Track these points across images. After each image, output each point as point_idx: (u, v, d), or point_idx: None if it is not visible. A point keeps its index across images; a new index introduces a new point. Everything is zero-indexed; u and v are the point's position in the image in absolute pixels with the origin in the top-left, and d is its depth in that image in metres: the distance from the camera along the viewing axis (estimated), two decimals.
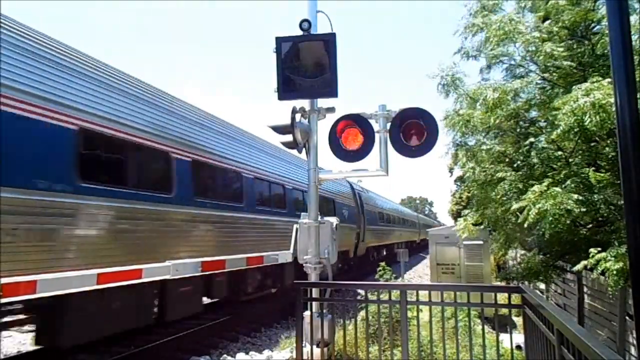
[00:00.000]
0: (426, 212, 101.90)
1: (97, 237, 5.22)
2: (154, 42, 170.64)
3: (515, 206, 6.17)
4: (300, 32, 4.51)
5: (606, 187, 5.69)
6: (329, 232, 4.97)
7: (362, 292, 4.90)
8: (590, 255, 5.29)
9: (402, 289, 4.24)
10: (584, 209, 5.45)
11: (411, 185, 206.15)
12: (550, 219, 5.33)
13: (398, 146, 4.70)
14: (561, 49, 6.40)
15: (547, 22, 6.90)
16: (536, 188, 5.73)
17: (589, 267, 5.38)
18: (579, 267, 5.59)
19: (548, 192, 5.53)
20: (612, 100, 4.74)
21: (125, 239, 5.64)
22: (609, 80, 5.18)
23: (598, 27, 6.60)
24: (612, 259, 5.01)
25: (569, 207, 5.26)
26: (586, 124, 5.08)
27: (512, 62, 7.68)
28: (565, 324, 2.37)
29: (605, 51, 6.24)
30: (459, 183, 32.92)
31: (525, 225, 5.89)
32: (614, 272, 4.91)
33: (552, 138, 6.31)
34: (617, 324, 6.61)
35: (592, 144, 6.64)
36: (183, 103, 7.69)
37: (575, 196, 5.38)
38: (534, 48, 6.89)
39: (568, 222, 5.58)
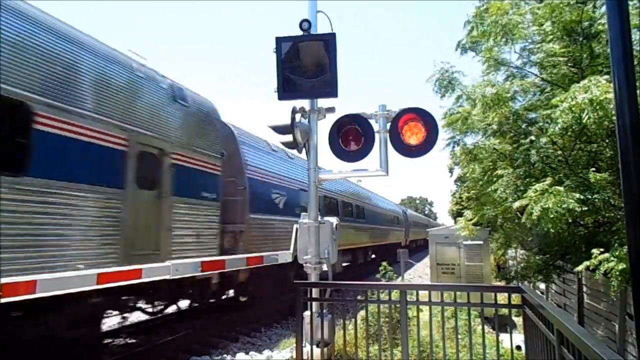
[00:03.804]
0: (426, 212, 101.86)
1: None
2: (152, 42, 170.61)
3: (516, 204, 6.16)
4: (300, 32, 4.51)
5: (605, 187, 5.68)
6: (329, 232, 4.97)
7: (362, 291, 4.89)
8: (593, 256, 5.28)
9: (402, 289, 4.24)
10: (585, 208, 5.45)
11: (411, 185, 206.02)
12: (552, 216, 5.32)
13: (398, 146, 4.70)
14: (558, 47, 6.41)
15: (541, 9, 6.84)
16: (538, 186, 5.73)
17: (591, 267, 5.37)
18: (580, 267, 5.59)
19: (550, 190, 5.53)
20: (610, 97, 4.76)
21: None
22: (607, 77, 5.18)
23: (595, 27, 6.58)
24: (615, 259, 5.00)
25: (570, 206, 5.26)
26: (584, 121, 5.08)
27: (511, 64, 7.68)
28: (565, 324, 2.37)
29: (603, 50, 6.24)
30: (459, 183, 32.84)
31: (528, 224, 5.89)
32: (618, 273, 4.90)
33: (550, 137, 6.31)
34: (617, 324, 6.61)
35: (592, 144, 6.64)
36: None
37: (577, 195, 5.38)
38: (532, 45, 6.91)
39: (570, 220, 5.58)
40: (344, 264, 16.07)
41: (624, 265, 4.83)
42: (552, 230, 5.54)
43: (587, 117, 5.01)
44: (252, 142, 9.54)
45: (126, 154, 5.80)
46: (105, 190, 5.48)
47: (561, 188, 5.53)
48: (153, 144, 6.35)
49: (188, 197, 7.01)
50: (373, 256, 20.76)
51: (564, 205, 5.26)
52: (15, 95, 4.51)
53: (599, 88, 5.00)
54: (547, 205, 5.35)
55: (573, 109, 5.15)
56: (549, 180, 5.84)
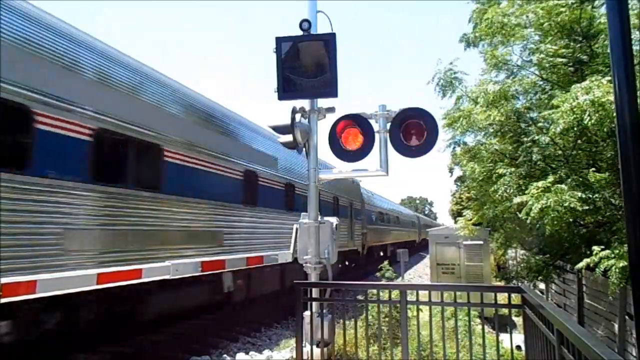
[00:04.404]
0: (426, 212, 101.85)
1: None
2: (150, 41, 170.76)
3: (516, 200, 6.16)
4: (300, 32, 4.51)
5: (605, 187, 5.69)
6: (329, 232, 4.97)
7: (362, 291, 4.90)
8: (594, 253, 5.28)
9: (402, 289, 4.24)
10: (587, 207, 5.44)
11: (411, 185, 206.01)
12: (553, 215, 5.31)
13: (398, 146, 4.70)
14: (556, 47, 6.42)
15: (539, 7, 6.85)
16: (540, 184, 5.72)
17: (591, 265, 5.37)
18: (581, 265, 5.58)
19: (552, 188, 5.52)
20: (612, 98, 4.76)
21: None
22: (609, 79, 5.18)
23: (595, 26, 6.58)
24: (615, 257, 5.00)
25: (572, 205, 5.25)
26: (585, 122, 5.07)
27: (512, 64, 7.68)
28: (565, 324, 2.37)
29: (603, 50, 6.25)
30: (459, 183, 33.00)
31: (528, 221, 5.89)
32: (617, 271, 4.90)
33: (550, 137, 6.31)
34: (617, 323, 6.61)
35: (592, 144, 6.64)
36: None
37: (579, 194, 5.37)
38: (532, 45, 6.91)
39: (570, 220, 5.57)
40: (391, 250, 24.71)
41: (624, 263, 4.83)
42: (550, 229, 5.53)
43: (588, 118, 5.00)
44: (364, 189, 19.19)
45: (349, 207, 15.56)
46: (346, 220, 14.96)
47: (564, 186, 5.52)
48: (349, 201, 15.70)
49: (357, 219, 16.60)
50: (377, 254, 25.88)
51: (566, 204, 5.25)
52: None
53: (600, 89, 5.00)
54: (548, 204, 5.34)
55: (574, 109, 5.15)
56: (551, 177, 5.83)
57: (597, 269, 5.31)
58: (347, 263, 16.51)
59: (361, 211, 17.52)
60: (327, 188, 12.90)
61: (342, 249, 13.00)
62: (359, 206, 17.20)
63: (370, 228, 19.09)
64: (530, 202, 5.63)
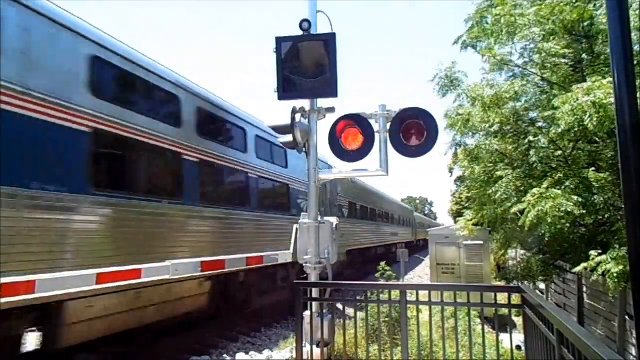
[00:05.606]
0: (426, 212, 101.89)
1: None
2: (149, 40, 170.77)
3: (514, 209, 6.17)
4: (300, 32, 4.51)
5: (604, 187, 5.68)
6: (329, 232, 4.97)
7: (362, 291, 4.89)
8: (591, 258, 5.28)
9: (402, 289, 4.24)
10: (584, 211, 5.44)
11: (411, 185, 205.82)
12: (550, 220, 5.32)
13: (398, 146, 4.70)
14: (559, 47, 6.41)
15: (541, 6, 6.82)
16: (535, 190, 5.72)
17: (589, 269, 5.37)
18: (579, 269, 5.59)
19: (547, 193, 5.52)
20: (612, 99, 4.75)
21: None
22: (610, 80, 5.18)
23: (596, 26, 6.57)
24: (612, 261, 5.00)
25: (569, 209, 5.25)
26: (586, 123, 5.07)
27: (512, 63, 7.66)
28: (565, 324, 2.37)
29: (604, 50, 6.24)
30: (459, 183, 33.06)
31: (526, 227, 5.89)
32: (615, 275, 4.90)
33: (551, 137, 6.30)
34: (617, 324, 6.61)
35: (593, 145, 6.63)
36: None
37: (575, 198, 5.37)
38: (533, 45, 6.89)
39: (568, 224, 5.57)
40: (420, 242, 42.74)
41: (621, 267, 4.84)
42: (548, 234, 5.53)
43: (589, 119, 4.99)
44: (415, 213, 45.88)
45: (412, 222, 38.96)
46: (410, 228, 37.16)
47: (558, 191, 5.51)
48: (412, 219, 39.05)
49: (414, 227, 38.93)
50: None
51: (562, 208, 5.25)
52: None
53: (601, 90, 4.99)
54: (545, 209, 5.34)
55: (575, 110, 5.14)
56: (546, 183, 5.83)
57: (595, 273, 5.32)
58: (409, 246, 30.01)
59: (414, 224, 37.84)
60: (406, 215, 30.32)
61: (409, 239, 30.83)
62: (413, 222, 37.62)
63: (417, 231, 39.02)
64: (527, 209, 5.64)
